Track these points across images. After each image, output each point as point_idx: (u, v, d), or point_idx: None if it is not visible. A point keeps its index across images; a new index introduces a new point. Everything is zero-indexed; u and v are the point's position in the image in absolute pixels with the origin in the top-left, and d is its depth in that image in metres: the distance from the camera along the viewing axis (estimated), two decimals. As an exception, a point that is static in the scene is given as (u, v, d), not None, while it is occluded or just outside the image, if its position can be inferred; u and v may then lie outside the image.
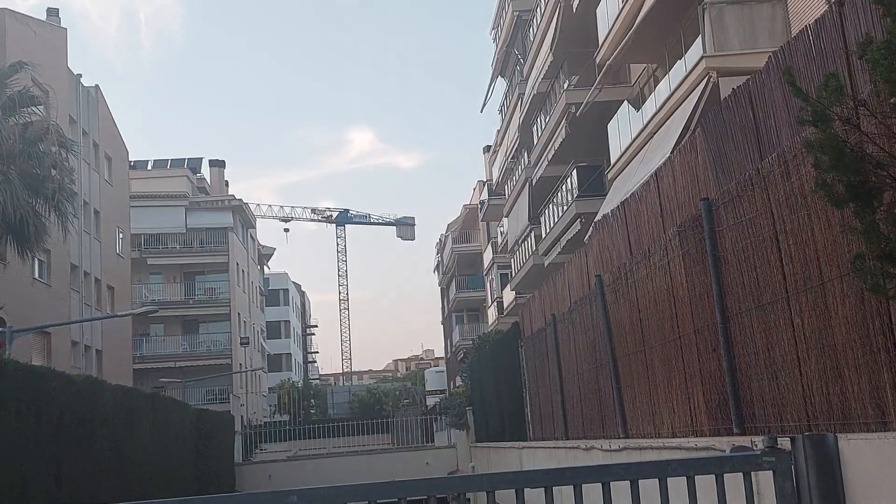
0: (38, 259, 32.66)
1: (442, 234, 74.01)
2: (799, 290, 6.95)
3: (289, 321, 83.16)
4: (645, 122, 24.13)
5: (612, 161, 27.00)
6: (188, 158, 63.62)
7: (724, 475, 6.03)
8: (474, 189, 66.57)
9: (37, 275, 33.67)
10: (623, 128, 26.48)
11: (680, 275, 9.28)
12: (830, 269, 6.39)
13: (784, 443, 6.39)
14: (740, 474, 5.65)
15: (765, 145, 7.31)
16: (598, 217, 17.99)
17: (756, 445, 6.67)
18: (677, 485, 4.81)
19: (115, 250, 44.73)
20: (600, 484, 4.57)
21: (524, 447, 18.47)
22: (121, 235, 45.77)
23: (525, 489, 4.39)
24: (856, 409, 6.31)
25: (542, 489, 4.50)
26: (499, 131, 51.09)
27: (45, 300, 33.42)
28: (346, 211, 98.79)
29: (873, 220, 4.56)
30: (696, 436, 9.19)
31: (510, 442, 20.57)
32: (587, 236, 21.98)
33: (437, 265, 76.84)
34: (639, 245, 10.67)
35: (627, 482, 4.58)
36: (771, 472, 6.24)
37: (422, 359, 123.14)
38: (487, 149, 62.10)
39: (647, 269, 10.28)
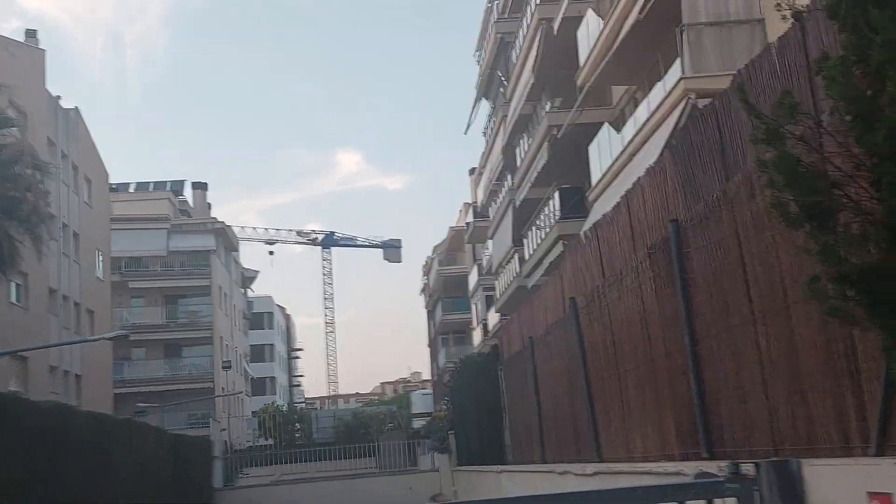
0: (15, 282, 32.30)
1: (428, 257, 73.89)
2: (765, 312, 6.85)
3: (273, 345, 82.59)
4: (625, 144, 24.10)
5: (593, 183, 26.95)
6: (170, 181, 63.34)
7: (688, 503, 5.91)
8: (460, 211, 66.57)
9: (13, 298, 33.28)
10: (604, 150, 26.44)
11: (651, 297, 9.17)
12: (795, 292, 6.29)
13: (748, 468, 6.26)
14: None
15: (731, 166, 7.23)
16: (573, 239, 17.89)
17: (723, 471, 6.53)
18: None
19: (95, 273, 44.34)
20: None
21: (502, 471, 18.26)
22: (101, 258, 45.39)
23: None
24: (821, 434, 6.19)
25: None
26: (483, 153, 51.13)
27: (21, 324, 33.00)
28: (332, 233, 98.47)
29: (828, 241, 4.45)
30: (668, 460, 9.05)
31: (490, 465, 20.36)
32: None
33: (424, 287, 76.66)
34: (611, 267, 10.57)
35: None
36: (734, 499, 6.12)
37: (409, 381, 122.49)
38: (473, 171, 62.13)
39: (619, 292, 10.18)
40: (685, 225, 8.05)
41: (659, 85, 22.12)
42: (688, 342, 8.15)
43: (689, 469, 7.81)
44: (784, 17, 4.60)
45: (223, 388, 54.82)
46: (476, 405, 22.54)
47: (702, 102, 18.61)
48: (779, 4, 4.58)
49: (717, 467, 7.32)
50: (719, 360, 7.71)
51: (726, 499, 5.94)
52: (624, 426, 10.41)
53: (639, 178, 9.61)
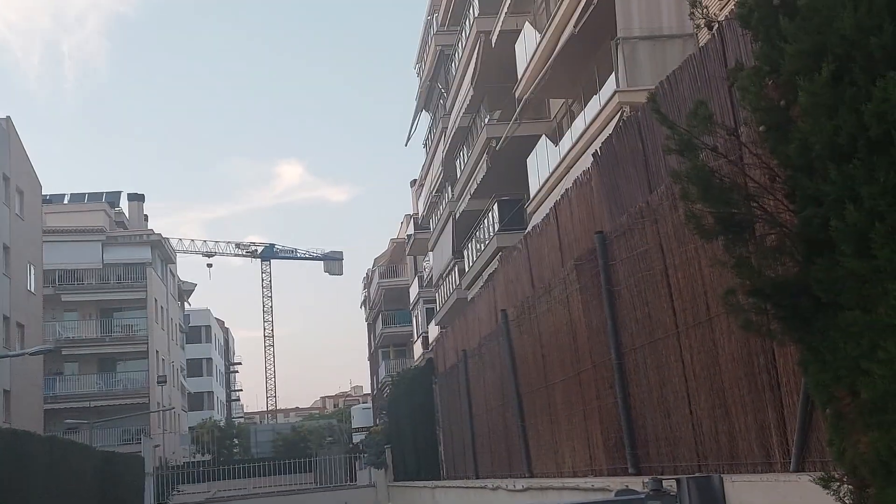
0: (-61, 296, 31.22)
1: (369, 269, 73.46)
2: (689, 325, 6.78)
3: (211, 358, 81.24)
4: (562, 157, 24.18)
5: (532, 195, 27.01)
6: (106, 192, 61.99)
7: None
8: (402, 223, 66.33)
9: (-62, 312, 32.17)
10: (542, 162, 26.51)
11: (578, 309, 9.09)
12: (717, 305, 6.22)
13: (671, 485, 6.17)
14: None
15: (654, 177, 7.17)
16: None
17: (646, 487, 6.44)
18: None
19: (27, 286, 43.12)
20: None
21: (436, 486, 18.07)
22: (32, 271, 44.18)
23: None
24: (743, 449, 6.12)
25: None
26: (424, 165, 51.03)
27: (-54, 338, 31.91)
28: (272, 245, 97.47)
29: (743, 253, 4.36)
30: (595, 475, 8.95)
31: (424, 481, 20.13)
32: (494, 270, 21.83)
33: (365, 300, 76.16)
34: (541, 279, 10.47)
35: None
36: (658, 516, 6.02)
37: (349, 395, 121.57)
38: (414, 182, 61.98)
39: (548, 304, 10.08)
40: (610, 236, 7.98)
41: (595, 98, 22.25)
42: (614, 355, 8.07)
43: (615, 485, 7.72)
44: (698, 27, 4.52)
45: (159, 404, 53.68)
46: (412, 420, 22.32)
47: (636, 115, 18.81)
48: (692, 13, 4.50)
49: (641, 483, 7.24)
50: (644, 373, 7.63)
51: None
52: (553, 440, 10.30)
53: (567, 190, 9.54)
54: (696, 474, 6.39)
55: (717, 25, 5.90)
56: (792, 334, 4.39)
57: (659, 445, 7.46)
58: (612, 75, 20.83)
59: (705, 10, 4.61)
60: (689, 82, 6.55)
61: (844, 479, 4.18)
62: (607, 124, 20.62)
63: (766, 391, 5.77)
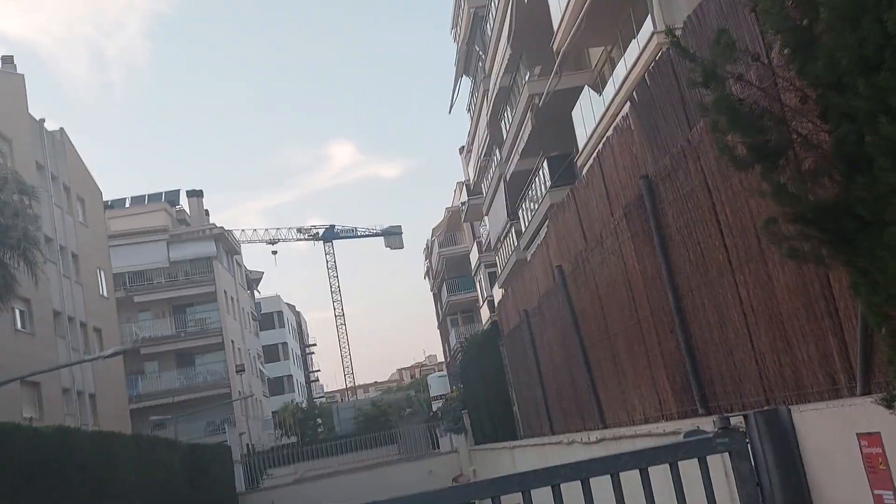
0: (18, 309, 32.23)
1: (428, 240, 73.71)
2: (741, 260, 6.68)
3: (286, 343, 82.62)
4: (606, 105, 23.88)
5: (580, 148, 26.74)
6: (165, 192, 63.15)
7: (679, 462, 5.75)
8: (455, 191, 66.30)
9: (18, 325, 33.23)
10: (587, 113, 26.21)
11: (631, 257, 9.00)
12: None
13: (738, 421, 6.11)
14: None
15: (692, 114, 7.02)
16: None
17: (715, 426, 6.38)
18: (653, 473, 4.86)
19: (99, 292, 44.28)
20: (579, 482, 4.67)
21: (515, 447, 18.17)
22: (102, 276, 45.31)
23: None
24: (808, 379, 6.03)
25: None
26: (469, 131, 50.82)
27: (29, 349, 32.96)
28: (333, 227, 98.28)
29: (780, 180, 4.26)
30: (666, 419, 8.91)
31: (503, 442, 20.27)
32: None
33: (427, 271, 76.54)
34: (591, 231, 10.39)
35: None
36: (727, 453, 5.96)
37: (425, 365, 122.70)
38: (462, 149, 61.82)
39: (601, 255, 10.01)
40: (655, 179, 7.87)
41: (633, 42, 21.87)
42: (671, 298, 7.99)
43: (685, 427, 7.67)
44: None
45: (240, 392, 54.84)
46: (484, 383, 22.45)
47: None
48: (705, -60, 4.38)
49: (711, 422, 7.18)
50: (703, 313, 7.54)
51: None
52: (621, 390, 10.27)
53: (608, 137, 9.42)
54: (764, 408, 6.31)
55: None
56: (839, 258, 4.30)
57: (725, 384, 7.39)
58: (649, 17, 20.44)
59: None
60: (715, 13, 6.39)
61: (906, 398, 4.10)
62: (650, 66, 20.28)
63: (825, 318, 5.66)
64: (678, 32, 7.19)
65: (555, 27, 26.83)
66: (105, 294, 45.37)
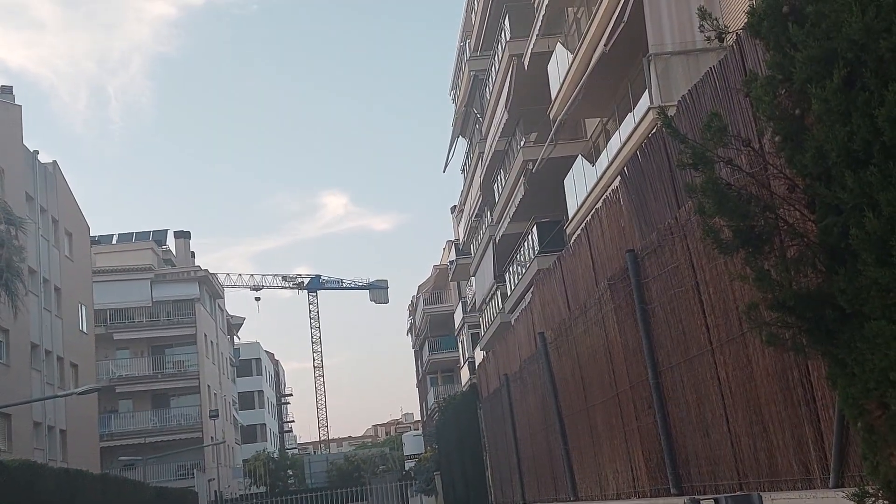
0: (-6, 339, 31.91)
1: (414, 296, 73.59)
2: (722, 341, 6.67)
3: (262, 391, 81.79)
4: (599, 176, 24.06)
5: (570, 216, 26.88)
6: (153, 231, 63.06)
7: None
8: (444, 249, 66.43)
9: (-6, 355, 32.86)
10: (579, 182, 26.40)
11: (613, 329, 8.99)
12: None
13: (710, 505, 6.04)
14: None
15: (681, 192, 7.08)
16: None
17: (687, 508, 6.32)
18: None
19: (79, 327, 43.90)
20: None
21: (486, 513, 17.94)
22: (84, 311, 44.96)
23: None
24: (782, 466, 5.98)
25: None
26: (462, 191, 51.11)
27: (2, 380, 32.54)
28: (318, 277, 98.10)
29: (764, 266, 4.27)
30: (639, 496, 8.81)
31: (474, 508, 20.01)
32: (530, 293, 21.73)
33: (411, 327, 76.26)
34: (576, 300, 10.39)
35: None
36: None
37: (401, 423, 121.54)
38: (454, 209, 62.10)
39: (584, 325, 9.99)
40: (641, 254, 7.89)
41: (630, 116, 22.13)
42: (650, 374, 7.96)
43: (657, 506, 7.59)
44: (708, 40, 4.47)
45: (212, 437, 54.12)
46: (459, 445, 22.22)
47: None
48: (702, 25, 4.45)
49: (682, 503, 7.10)
50: (682, 391, 7.51)
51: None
52: (596, 462, 10.17)
53: (597, 209, 9.47)
54: (736, 493, 6.26)
55: (734, 36, 5.84)
56: (818, 347, 4.29)
57: (699, 464, 7.33)
58: (646, 92, 20.71)
59: (715, 21, 4.56)
60: (710, 95, 6.48)
61: (879, 494, 4.06)
62: (643, 142, 20.50)
63: (802, 406, 5.64)
64: (672, 112, 7.33)
65: (553, 96, 27.18)
66: (85, 329, 44.98)
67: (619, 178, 9.12)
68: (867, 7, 3.65)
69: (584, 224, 19.15)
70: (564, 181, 27.30)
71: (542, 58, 28.53)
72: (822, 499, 4.97)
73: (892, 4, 3.59)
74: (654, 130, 18.44)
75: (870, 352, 3.91)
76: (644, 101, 20.95)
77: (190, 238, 67.16)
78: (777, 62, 4.18)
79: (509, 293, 34.95)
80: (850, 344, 4.01)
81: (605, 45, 21.73)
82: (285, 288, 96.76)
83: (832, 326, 4.14)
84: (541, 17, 28.57)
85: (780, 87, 4.20)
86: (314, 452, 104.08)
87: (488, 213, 40.28)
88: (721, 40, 4.45)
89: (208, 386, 57.30)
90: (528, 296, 30.91)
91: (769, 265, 4.33)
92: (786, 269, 4.29)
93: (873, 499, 4.07)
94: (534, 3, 30.32)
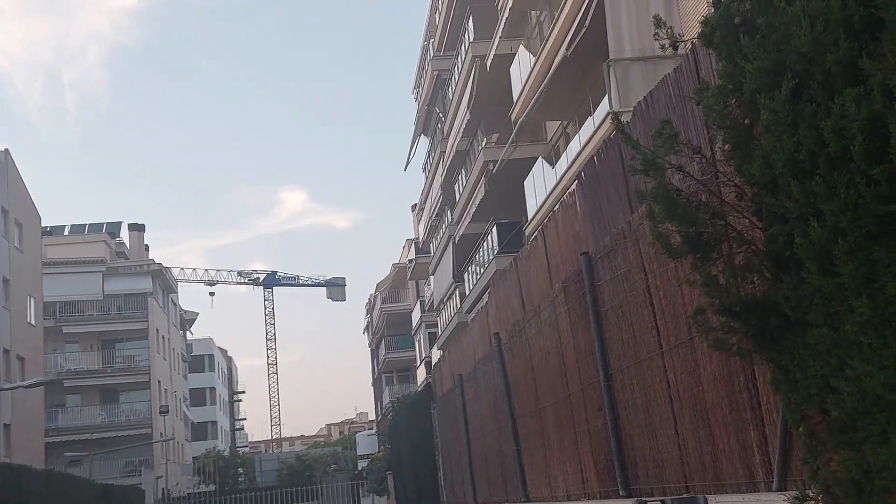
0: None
1: (371, 295, 73.40)
2: (671, 345, 6.75)
3: (214, 388, 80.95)
4: (558, 178, 24.22)
5: (530, 217, 27.02)
6: (106, 223, 62.09)
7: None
8: (403, 248, 66.33)
9: (-63, 347, 32.14)
10: (539, 184, 26.55)
11: (566, 331, 9.06)
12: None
13: (655, 507, 6.11)
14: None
15: (634, 197, 7.15)
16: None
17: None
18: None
19: (27, 319, 43.09)
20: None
21: (436, 513, 17.96)
22: (32, 303, 44.16)
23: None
24: (727, 469, 6.07)
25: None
26: (423, 190, 51.11)
27: (-54, 373, 31.87)
28: (274, 273, 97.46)
29: (710, 272, 4.34)
30: (588, 498, 8.88)
31: (425, 507, 20.03)
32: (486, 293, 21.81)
33: (367, 326, 76.05)
34: (530, 301, 10.45)
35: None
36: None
37: (355, 422, 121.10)
38: (414, 207, 62.06)
39: (537, 326, 10.05)
40: (595, 257, 7.97)
41: (589, 120, 22.31)
42: (601, 376, 8.03)
43: (604, 507, 7.66)
44: (662, 48, 4.53)
45: (162, 434, 53.46)
46: (412, 445, 22.22)
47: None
48: (656, 34, 4.51)
49: (629, 505, 7.18)
50: (631, 394, 7.59)
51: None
52: (546, 464, 10.24)
53: (553, 211, 9.53)
54: (682, 496, 6.34)
55: (689, 45, 5.92)
56: (762, 353, 4.37)
57: (647, 467, 7.41)
58: (606, 97, 20.89)
59: (670, 30, 4.62)
60: (665, 102, 6.56)
61: (819, 499, 4.15)
62: (601, 146, 20.68)
63: (748, 410, 5.73)
64: (627, 118, 7.44)
65: (514, 97, 27.30)
66: (33, 322, 44.16)
67: (576, 181, 9.22)
68: (816, 21, 3.72)
69: (542, 225, 19.25)
70: (525, 183, 27.44)
71: (505, 60, 28.65)
72: (764, 502, 5.06)
73: (839, 19, 3.66)
74: (612, 135, 18.62)
75: (811, 358, 3.99)
76: (604, 106, 21.13)
77: (144, 231, 66.23)
78: (728, 72, 4.25)
79: (468, 293, 35.03)
80: (793, 350, 4.09)
81: (566, 50, 21.88)
82: (241, 284, 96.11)
83: (776, 333, 4.23)
84: (504, 20, 28.70)
85: (730, 97, 4.28)
86: (266, 451, 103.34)
87: (449, 212, 40.34)
88: (675, 49, 4.51)
89: (159, 381, 56.58)
90: (486, 296, 31.03)
91: (717, 271, 4.41)
92: (733, 275, 4.37)
93: (813, 502, 4.16)
94: (497, 5, 30.44)
